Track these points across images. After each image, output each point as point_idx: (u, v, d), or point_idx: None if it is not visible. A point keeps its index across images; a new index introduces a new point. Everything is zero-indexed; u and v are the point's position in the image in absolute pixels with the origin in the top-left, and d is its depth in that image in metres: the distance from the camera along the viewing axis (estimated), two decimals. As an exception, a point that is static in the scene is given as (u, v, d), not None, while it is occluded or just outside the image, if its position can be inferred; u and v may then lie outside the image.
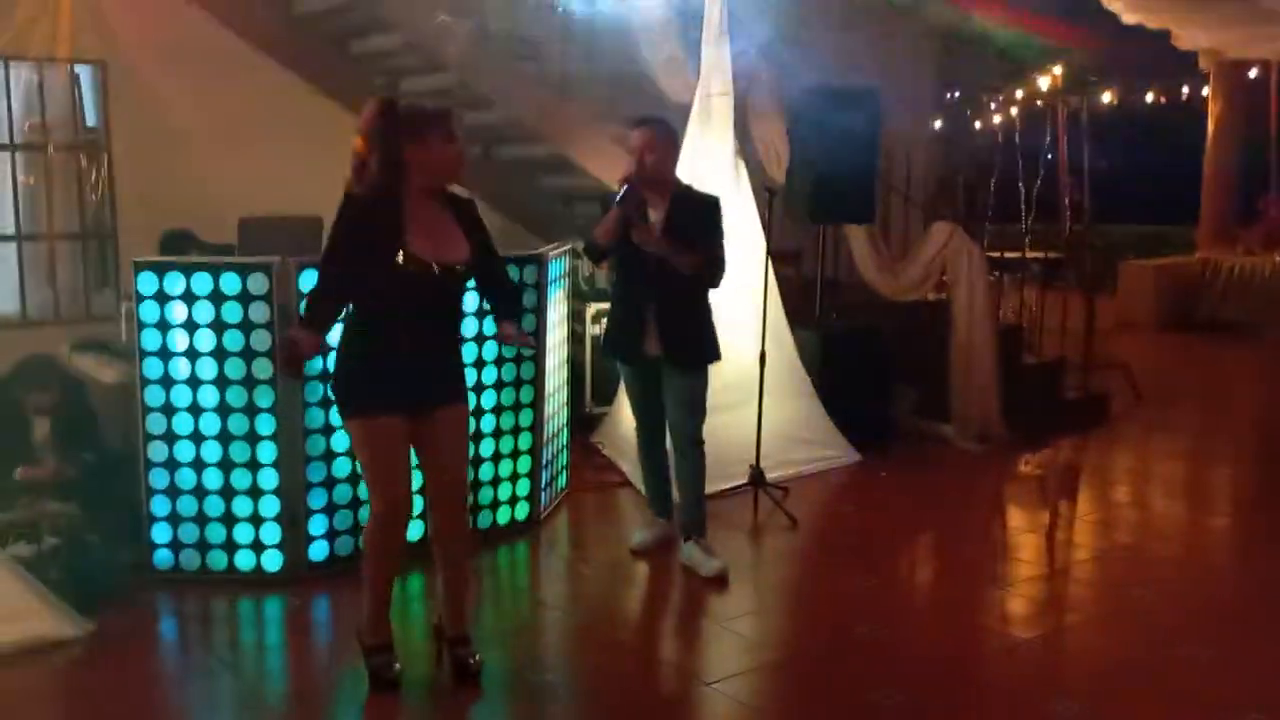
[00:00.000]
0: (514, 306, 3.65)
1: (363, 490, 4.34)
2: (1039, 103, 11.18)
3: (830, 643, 3.84)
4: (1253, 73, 11.50)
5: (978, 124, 12.00)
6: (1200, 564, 4.75)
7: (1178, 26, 9.93)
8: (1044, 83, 11.49)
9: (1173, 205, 13.26)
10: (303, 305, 3.47)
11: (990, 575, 4.53)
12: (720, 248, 4.36)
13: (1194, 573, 4.61)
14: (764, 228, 5.27)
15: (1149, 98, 12.16)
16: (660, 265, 4.20)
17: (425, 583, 4.12)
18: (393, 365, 3.23)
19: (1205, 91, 11.74)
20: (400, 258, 3.15)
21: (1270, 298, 10.62)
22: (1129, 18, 9.35)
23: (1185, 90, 12.18)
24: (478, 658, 3.47)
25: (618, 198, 4.17)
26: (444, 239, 3.28)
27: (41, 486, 4.67)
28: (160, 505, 4.24)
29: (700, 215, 4.32)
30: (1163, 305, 11.16)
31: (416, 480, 3.52)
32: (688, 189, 4.43)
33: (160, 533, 4.25)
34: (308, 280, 4.09)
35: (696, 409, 4.36)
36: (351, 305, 3.31)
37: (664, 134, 4.35)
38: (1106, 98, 10.91)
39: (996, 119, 11.98)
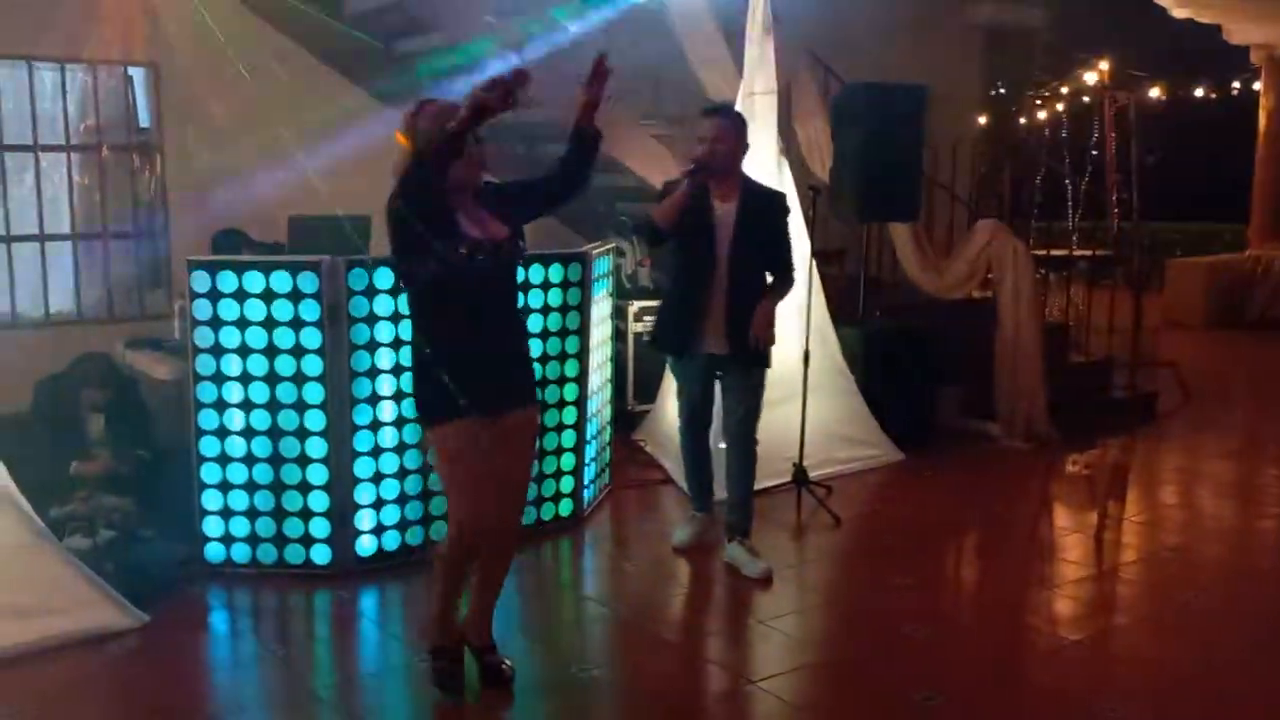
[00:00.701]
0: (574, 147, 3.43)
1: (410, 486, 4.41)
2: (1085, 99, 11.06)
3: (876, 643, 3.82)
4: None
5: (1023, 120, 11.88)
6: (1250, 567, 4.68)
7: (1229, 20, 9.79)
8: (1091, 78, 11.36)
9: (1222, 202, 13.06)
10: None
11: (1037, 576, 4.50)
12: (790, 248, 4.38)
13: (1244, 576, 4.54)
14: (809, 226, 5.24)
15: (1198, 93, 11.95)
16: (731, 261, 4.22)
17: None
18: (466, 365, 3.17)
19: (1257, 86, 11.53)
20: (463, 242, 3.12)
21: (1323, 296, 10.43)
22: (1179, 12, 9.23)
23: (1236, 86, 11.95)
24: (509, 663, 3.45)
25: (686, 179, 4.14)
26: (486, 223, 3.23)
27: (96, 481, 4.78)
28: (212, 499, 4.31)
29: (772, 211, 4.36)
30: (1211, 303, 10.99)
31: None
32: (755, 183, 4.42)
33: (212, 526, 4.33)
34: (357, 279, 4.15)
35: (757, 407, 4.39)
36: (414, 312, 3.30)
37: (737, 124, 4.35)
38: (1155, 93, 10.75)
39: (1042, 115, 11.86)
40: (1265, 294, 10.89)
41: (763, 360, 4.36)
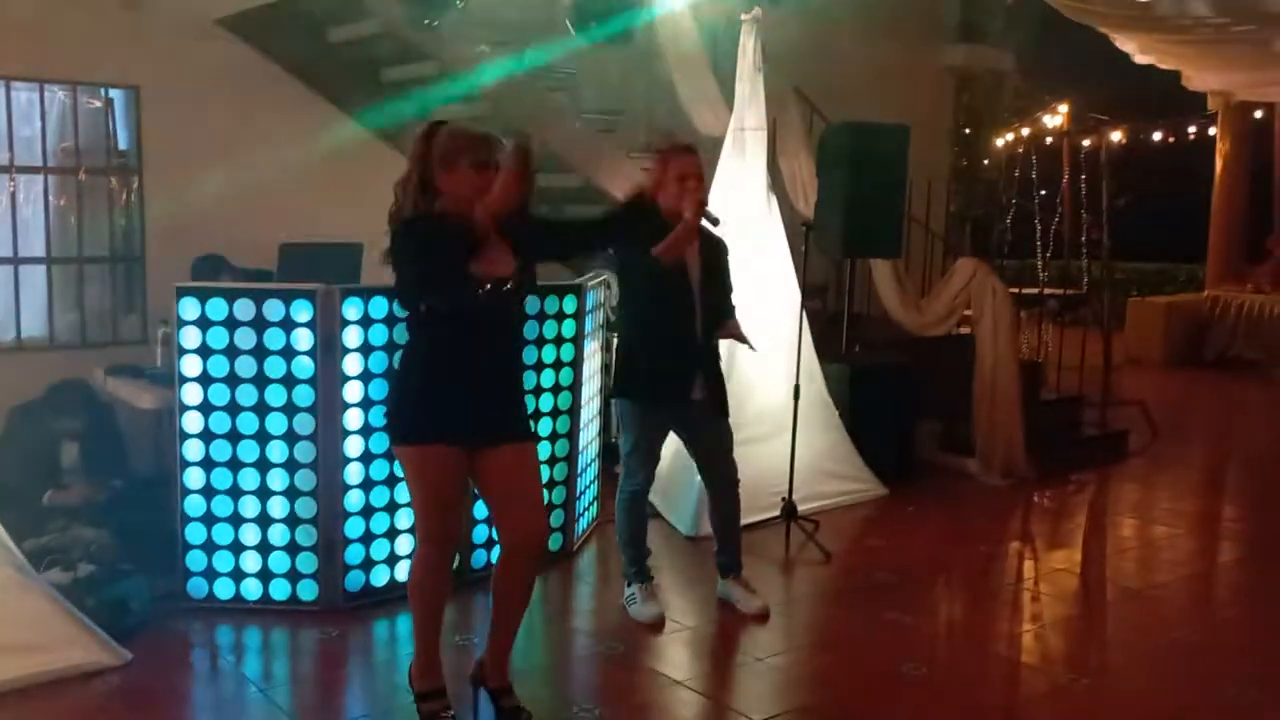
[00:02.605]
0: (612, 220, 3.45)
1: (400, 520, 4.33)
2: (1048, 141, 11.28)
3: (876, 682, 3.80)
4: (1258, 114, 11.61)
5: (986, 161, 12.09)
6: (1232, 601, 4.73)
7: (1189, 68, 10.03)
8: (1053, 120, 11.60)
9: (1177, 243, 13.36)
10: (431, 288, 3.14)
11: (1028, 614, 4.52)
12: (732, 291, 4.33)
13: (1234, 612, 4.59)
14: (801, 262, 5.27)
15: (1157, 136, 12.24)
16: (702, 305, 4.11)
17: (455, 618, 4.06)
18: (450, 392, 3.12)
19: (1213, 132, 11.84)
20: (470, 278, 3.04)
21: (1279, 336, 10.67)
22: (1141, 58, 9.45)
23: (1193, 130, 12.27)
24: (527, 709, 3.35)
25: (699, 217, 3.91)
26: (491, 256, 3.11)
27: (70, 511, 4.65)
28: (195, 533, 4.20)
29: (723, 253, 4.27)
30: (1171, 342, 11.21)
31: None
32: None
33: (195, 561, 4.21)
34: (352, 307, 4.09)
35: (732, 450, 4.32)
36: (415, 331, 3.27)
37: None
38: (1116, 136, 11.00)
39: (1005, 155, 12.08)
40: (1222, 334, 11.13)
41: (725, 410, 4.27)
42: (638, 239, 3.79)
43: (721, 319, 4.23)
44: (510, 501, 3.26)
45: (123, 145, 6.00)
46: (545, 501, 4.68)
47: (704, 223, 3.97)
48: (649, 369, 4.12)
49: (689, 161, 4.07)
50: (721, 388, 4.25)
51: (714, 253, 4.23)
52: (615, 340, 4.50)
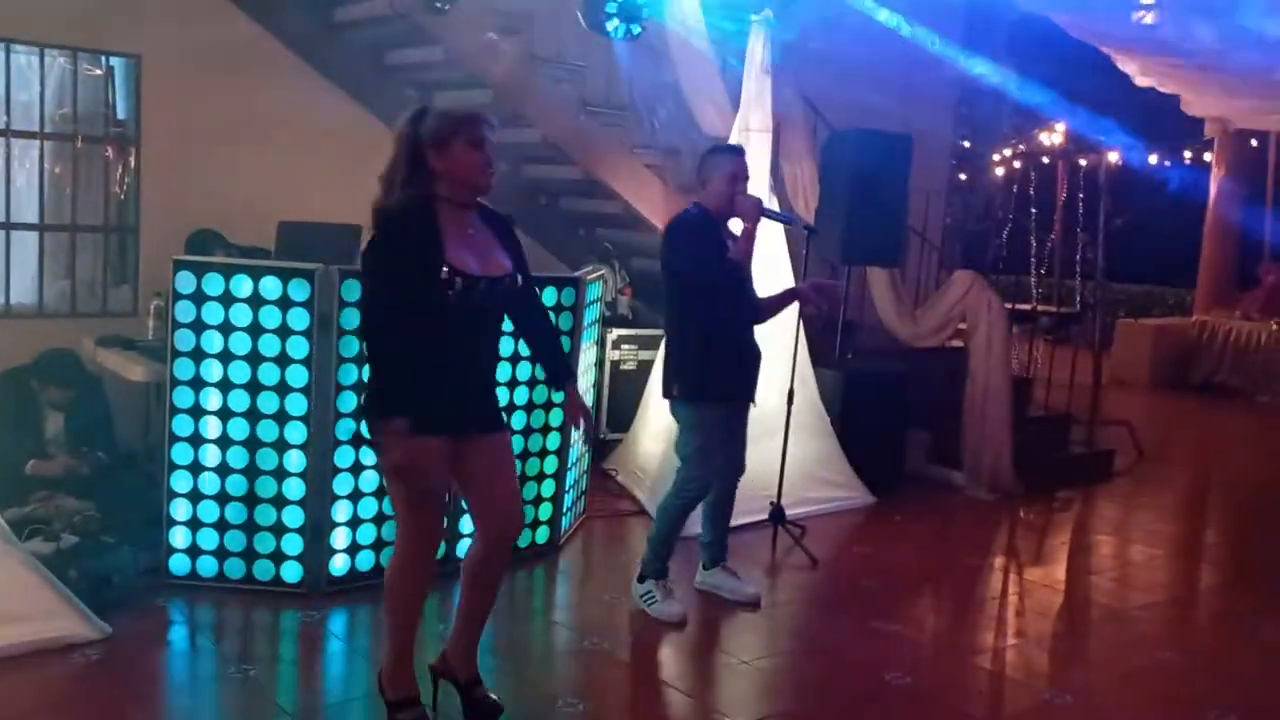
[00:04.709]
0: (560, 358, 3.52)
1: (388, 505, 4.29)
2: (1045, 159, 11.33)
3: (860, 689, 3.79)
4: (1254, 142, 11.69)
5: (985, 176, 12.12)
6: (1213, 623, 4.75)
7: (1189, 92, 10.09)
8: (1050, 139, 11.65)
9: (1166, 267, 13.43)
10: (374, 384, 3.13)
11: (1013, 628, 4.52)
12: None
13: (1214, 635, 4.61)
14: (802, 266, 5.26)
15: (1153, 159, 12.31)
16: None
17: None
18: (437, 385, 3.03)
19: (1208, 157, 11.91)
20: (444, 272, 2.96)
21: (1266, 364, 10.73)
22: (1142, 80, 9.50)
23: (1188, 155, 12.34)
24: (495, 697, 3.31)
25: (771, 213, 4.16)
26: (483, 252, 3.09)
27: (53, 482, 4.59)
28: (180, 509, 4.16)
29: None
30: (1157, 365, 11.24)
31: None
32: None
33: (179, 537, 4.17)
34: (350, 290, 4.04)
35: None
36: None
37: None
38: (1114, 157, 11.05)
39: (1002, 171, 12.12)
40: (1209, 359, 11.18)
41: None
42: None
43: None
44: (495, 490, 3.20)
45: (121, 115, 5.93)
46: (535, 495, 4.69)
47: (772, 220, 4.15)
48: (724, 369, 4.17)
49: (733, 163, 4.16)
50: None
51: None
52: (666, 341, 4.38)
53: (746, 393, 4.28)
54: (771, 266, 5.52)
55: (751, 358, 4.28)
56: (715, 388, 4.18)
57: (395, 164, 3.06)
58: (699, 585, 4.47)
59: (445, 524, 3.30)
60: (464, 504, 4.32)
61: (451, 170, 3.04)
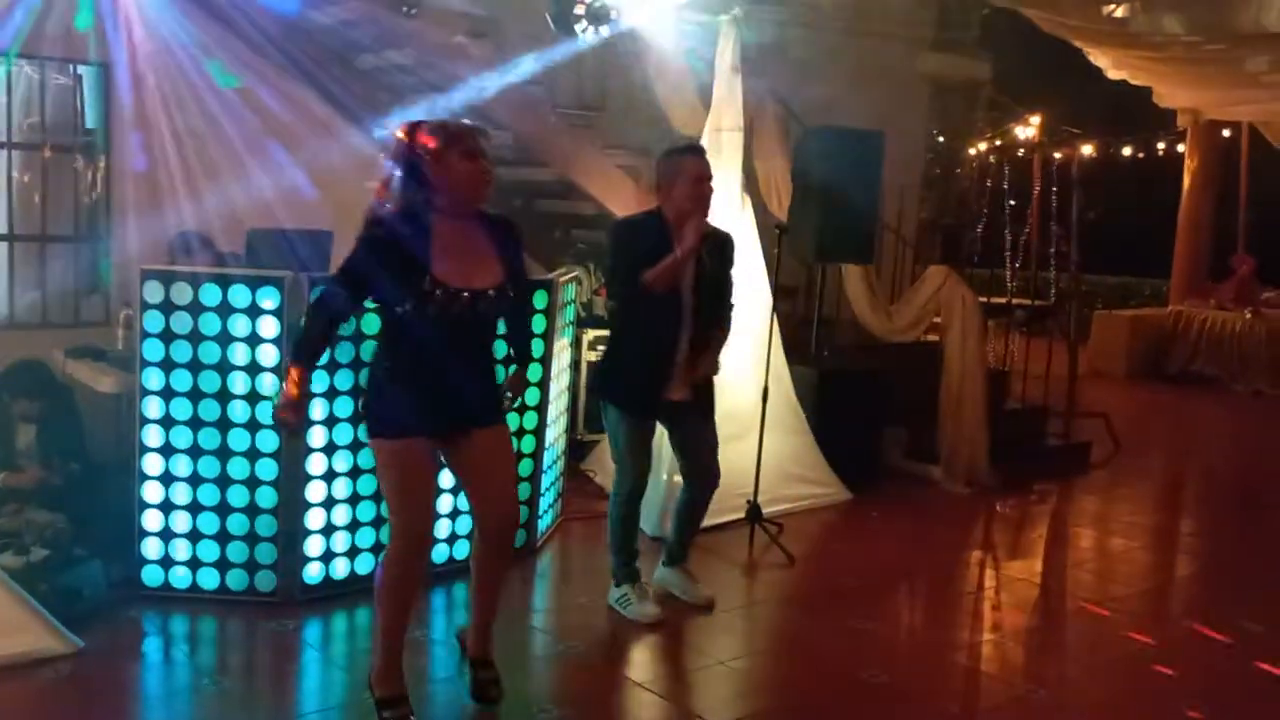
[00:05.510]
0: (521, 382, 3.75)
1: (361, 512, 4.28)
2: (1020, 153, 11.38)
3: (838, 687, 3.80)
4: (1226, 132, 11.77)
5: (958, 170, 12.17)
6: (1192, 615, 4.78)
7: (1161, 85, 10.14)
8: (1025, 132, 11.70)
9: (1141, 258, 13.52)
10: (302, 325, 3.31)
11: (989, 623, 4.54)
12: (732, 291, 4.29)
13: (1190, 626, 4.63)
14: (774, 264, 5.27)
15: (1126, 151, 12.38)
16: (695, 307, 4.06)
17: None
18: (424, 386, 3.12)
19: (1181, 148, 11.98)
20: (426, 284, 3.04)
21: (1240, 353, 10.82)
22: (1114, 73, 9.54)
23: (1161, 146, 12.42)
24: (500, 684, 3.40)
25: (694, 249, 3.90)
26: (473, 263, 3.15)
27: (24, 494, 4.55)
28: (152, 520, 4.13)
29: (727, 253, 4.21)
30: (1133, 355, 11.32)
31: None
32: (711, 225, 4.36)
33: (151, 549, 4.14)
34: (320, 297, 4.02)
35: (717, 447, 4.28)
36: (382, 326, 3.25)
37: None
38: (1087, 150, 11.12)
39: (977, 165, 12.16)
40: (1185, 349, 11.26)
41: (710, 411, 4.26)
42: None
43: (714, 325, 4.18)
44: (492, 481, 3.28)
45: (90, 124, 5.88)
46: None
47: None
48: (628, 379, 4.11)
49: (693, 164, 4.03)
50: (708, 391, 4.23)
51: (718, 256, 4.14)
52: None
53: (649, 410, 4.12)
54: (742, 265, 5.52)
55: (664, 371, 4.05)
56: (621, 395, 4.13)
57: (392, 173, 3.12)
58: (654, 581, 4.43)
59: (436, 519, 3.39)
60: (464, 504, 4.36)
61: (448, 182, 3.11)
